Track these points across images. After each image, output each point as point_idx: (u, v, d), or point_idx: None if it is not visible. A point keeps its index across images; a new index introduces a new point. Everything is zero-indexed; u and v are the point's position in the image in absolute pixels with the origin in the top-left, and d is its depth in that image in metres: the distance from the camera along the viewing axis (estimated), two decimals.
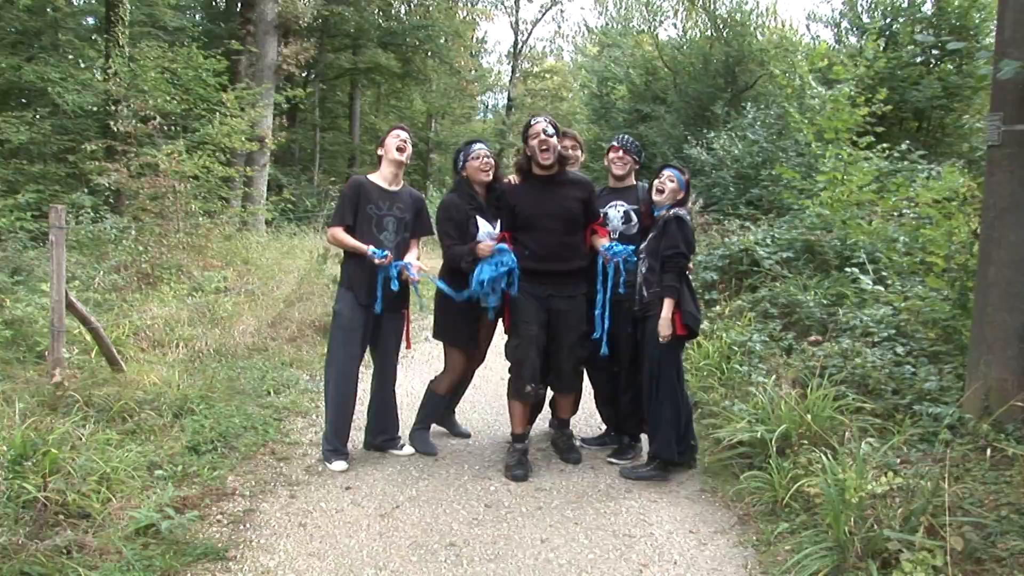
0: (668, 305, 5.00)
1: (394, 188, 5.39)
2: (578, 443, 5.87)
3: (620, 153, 5.69)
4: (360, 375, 5.49)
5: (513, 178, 5.45)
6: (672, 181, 5.24)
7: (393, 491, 4.94)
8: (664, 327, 5.00)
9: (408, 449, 5.67)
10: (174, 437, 5.32)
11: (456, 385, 5.91)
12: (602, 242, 5.27)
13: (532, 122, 5.17)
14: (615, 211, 5.61)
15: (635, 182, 5.75)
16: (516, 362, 5.24)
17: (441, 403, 5.88)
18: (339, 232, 5.27)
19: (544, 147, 5.05)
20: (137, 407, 5.58)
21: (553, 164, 5.12)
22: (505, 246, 5.13)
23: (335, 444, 5.36)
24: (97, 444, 4.71)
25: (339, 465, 5.28)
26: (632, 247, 5.19)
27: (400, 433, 5.74)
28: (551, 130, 5.07)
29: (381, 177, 5.40)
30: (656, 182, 5.28)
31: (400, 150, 5.36)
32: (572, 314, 5.27)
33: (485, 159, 5.55)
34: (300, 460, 5.42)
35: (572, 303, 5.27)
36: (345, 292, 5.33)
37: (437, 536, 4.30)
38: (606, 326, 5.33)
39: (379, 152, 5.47)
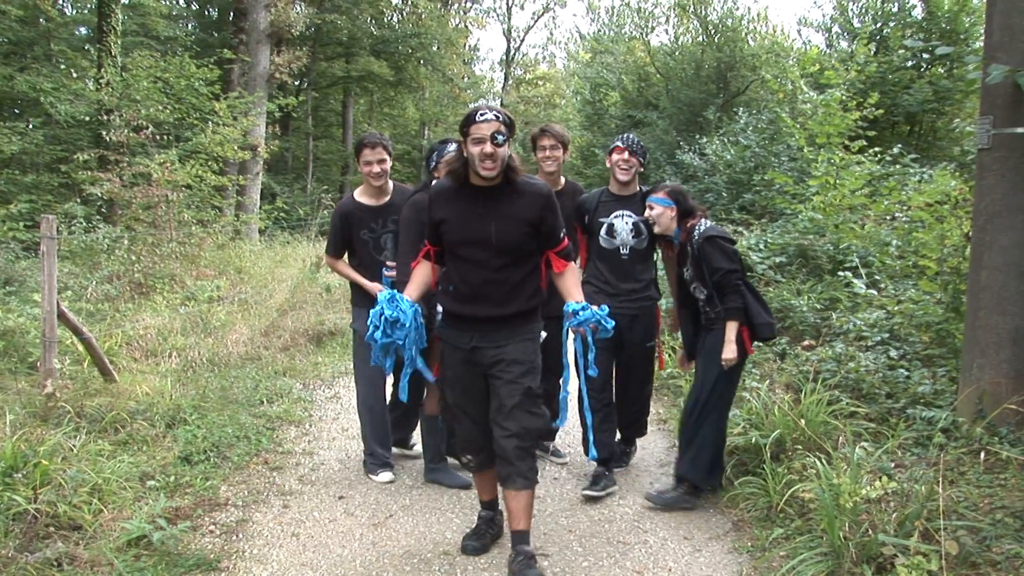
0: (732, 328, 4.58)
1: (383, 201, 5.21)
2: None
3: (626, 155, 5.06)
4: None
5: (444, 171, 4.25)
6: (653, 208, 4.77)
7: (387, 500, 4.92)
8: (728, 351, 4.57)
9: (419, 448, 5.56)
10: (166, 447, 5.29)
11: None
12: (570, 296, 3.83)
13: (477, 118, 3.64)
14: (623, 223, 5.05)
15: (639, 188, 5.17)
16: (447, 429, 4.49)
17: (435, 423, 5.11)
18: (337, 264, 5.32)
19: (489, 160, 3.61)
20: (129, 417, 5.55)
21: (497, 176, 3.69)
22: (397, 295, 3.76)
23: (381, 457, 5.31)
24: (89, 455, 4.69)
25: (385, 476, 5.24)
26: (607, 308, 3.74)
27: (415, 433, 5.72)
28: (500, 138, 3.60)
29: (366, 195, 5.21)
30: (648, 215, 4.83)
31: (377, 176, 5.10)
32: (508, 365, 3.81)
33: None
34: (293, 470, 5.40)
35: (507, 350, 3.82)
36: (360, 311, 5.16)
37: (431, 545, 4.28)
38: (588, 416, 4.00)
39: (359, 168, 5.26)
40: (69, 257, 9.88)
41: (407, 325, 3.69)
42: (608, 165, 5.20)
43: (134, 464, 4.84)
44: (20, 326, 6.94)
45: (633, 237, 5.06)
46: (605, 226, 5.08)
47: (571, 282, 3.91)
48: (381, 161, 5.10)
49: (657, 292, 5.24)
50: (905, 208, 8.79)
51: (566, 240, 3.94)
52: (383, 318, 3.65)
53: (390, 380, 4.92)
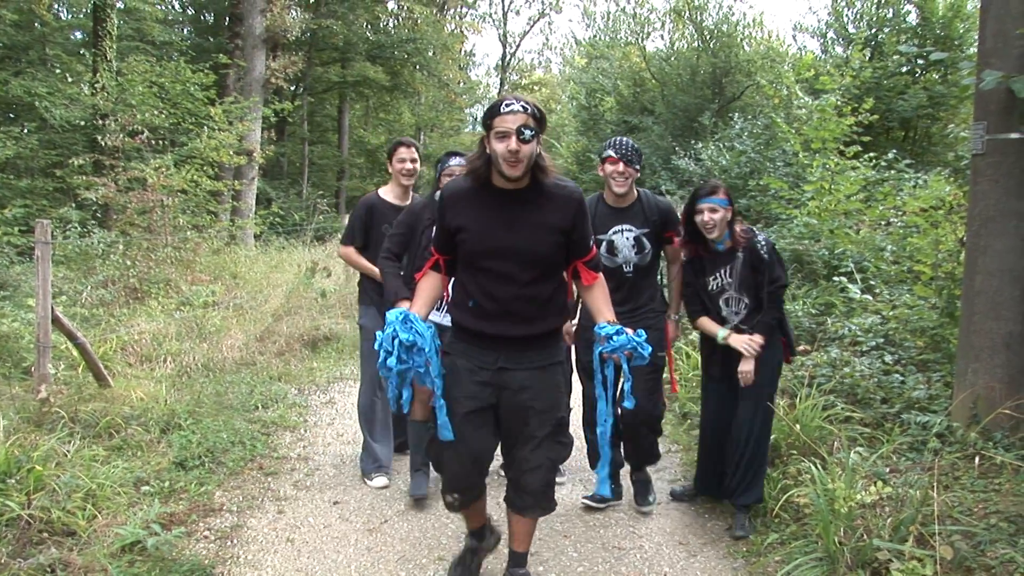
0: (760, 338, 4.33)
1: (406, 203, 5.26)
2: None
3: (620, 167, 4.51)
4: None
5: (459, 173, 4.36)
6: (716, 211, 4.28)
7: (381, 505, 4.91)
8: (749, 360, 4.31)
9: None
10: (161, 453, 5.28)
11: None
12: (600, 314, 3.47)
13: (502, 109, 3.17)
14: (623, 239, 4.58)
15: (635, 194, 4.67)
16: (433, 461, 3.56)
17: (422, 428, 4.75)
18: (351, 253, 5.26)
19: (513, 158, 3.14)
20: (124, 423, 5.54)
21: (523, 176, 3.23)
22: (410, 315, 3.24)
23: (378, 460, 5.32)
24: (83, 460, 4.68)
25: (380, 481, 5.23)
26: (643, 334, 3.36)
27: None
28: (528, 133, 3.12)
29: (392, 194, 5.29)
30: (699, 220, 4.32)
31: (408, 174, 5.23)
32: (539, 392, 3.40)
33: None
34: (288, 475, 5.39)
35: (539, 376, 3.42)
36: (367, 308, 5.24)
37: (425, 550, 4.27)
38: (607, 452, 3.63)
39: (389, 168, 5.34)
40: (64, 262, 9.85)
41: (426, 349, 3.19)
42: (601, 174, 4.66)
43: (128, 469, 4.83)
44: (14, 331, 6.93)
45: (636, 253, 4.60)
46: (604, 244, 4.59)
47: (601, 297, 3.51)
48: (414, 160, 5.22)
49: (663, 303, 4.84)
50: (900, 213, 8.81)
51: (595, 249, 3.52)
52: (396, 342, 3.14)
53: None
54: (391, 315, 3.22)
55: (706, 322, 4.53)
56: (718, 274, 4.41)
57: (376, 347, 3.20)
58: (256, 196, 17.83)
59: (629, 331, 3.31)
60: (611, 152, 4.56)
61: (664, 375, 4.89)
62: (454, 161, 4.72)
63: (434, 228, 3.65)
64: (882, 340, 6.36)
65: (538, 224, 3.29)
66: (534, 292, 3.34)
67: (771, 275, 4.31)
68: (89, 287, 8.78)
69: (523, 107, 3.16)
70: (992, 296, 4.80)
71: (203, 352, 7.87)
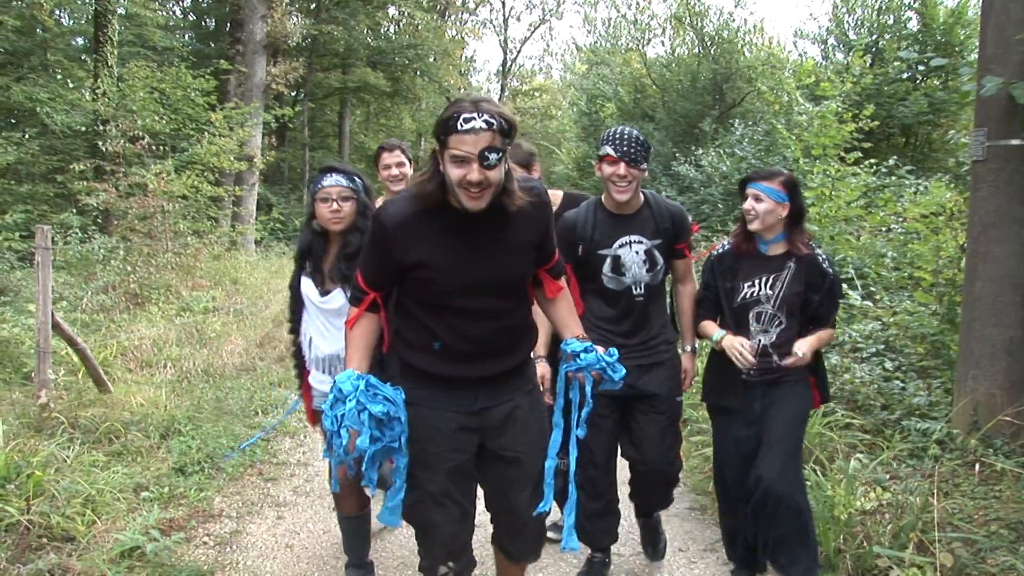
0: (813, 343, 3.51)
1: None
2: None
3: (622, 169, 3.50)
4: None
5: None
6: (760, 201, 3.47)
7: None
8: (803, 349, 3.44)
9: None
10: (160, 458, 5.28)
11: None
12: (567, 329, 2.95)
13: (460, 126, 2.43)
14: (632, 253, 3.63)
15: (641, 198, 3.71)
16: (418, 528, 2.94)
17: (362, 524, 3.93)
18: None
19: (475, 188, 2.47)
20: (123, 428, 5.54)
21: (487, 206, 2.55)
22: (371, 380, 2.61)
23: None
24: (82, 466, 4.68)
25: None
26: (616, 353, 2.87)
27: None
28: (493, 157, 2.44)
29: None
30: (747, 207, 3.53)
31: (394, 179, 4.54)
32: (528, 419, 2.89)
33: None
34: (288, 481, 5.38)
35: (524, 402, 2.90)
36: None
37: None
38: (572, 491, 2.92)
39: (379, 178, 4.73)
40: (64, 267, 9.87)
41: (403, 419, 2.64)
42: (599, 175, 3.67)
43: (128, 475, 4.82)
44: (15, 336, 6.94)
45: (648, 271, 3.65)
46: (609, 260, 3.64)
47: (566, 309, 3.00)
48: (400, 164, 4.59)
49: (675, 332, 3.88)
50: (900, 220, 8.80)
51: (557, 253, 2.97)
52: (367, 417, 2.53)
53: None
54: (345, 383, 2.56)
55: (708, 325, 3.71)
56: (756, 281, 3.55)
57: (328, 426, 2.56)
58: (257, 202, 17.86)
59: (600, 349, 2.83)
60: (609, 149, 3.52)
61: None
62: (329, 180, 3.51)
63: (362, 256, 2.95)
64: (882, 346, 6.36)
65: (509, 245, 2.69)
66: (512, 322, 2.82)
67: (834, 301, 3.62)
68: (89, 293, 8.79)
69: (487, 122, 2.43)
70: (992, 302, 4.80)
71: (203, 358, 7.87)
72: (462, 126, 2.42)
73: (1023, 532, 3.75)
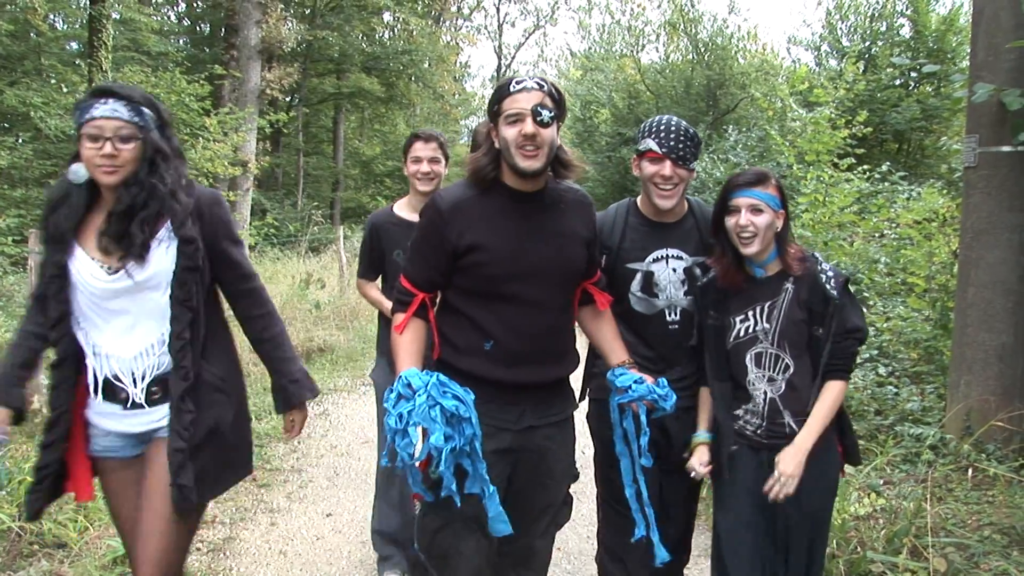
0: (832, 402, 2.70)
1: None
2: None
3: (667, 169, 2.86)
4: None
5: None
6: (760, 212, 2.69)
7: None
8: (790, 460, 2.64)
9: None
10: None
11: None
12: (613, 354, 2.80)
13: (512, 88, 2.47)
14: (668, 271, 2.98)
15: (686, 204, 3.07)
16: (439, 558, 2.58)
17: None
18: (364, 287, 4.11)
19: (530, 144, 2.43)
20: None
21: (543, 169, 2.50)
22: (443, 378, 2.37)
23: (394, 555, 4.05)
24: None
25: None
26: (666, 383, 2.68)
27: None
28: (546, 113, 2.43)
29: (408, 207, 3.97)
30: (730, 225, 2.73)
31: (425, 178, 3.88)
32: (559, 454, 2.73)
33: None
34: (281, 487, 5.37)
35: (560, 433, 2.73)
36: (380, 357, 4.07)
37: None
38: (650, 511, 2.82)
39: (405, 171, 4.02)
40: None
41: (472, 419, 2.34)
42: (636, 174, 3.03)
43: None
44: (7, 341, 6.90)
45: (686, 294, 2.98)
46: (639, 276, 2.99)
47: (611, 331, 2.85)
48: (433, 160, 3.89)
49: (696, 347, 3.07)
50: (894, 226, 8.84)
51: (599, 269, 2.86)
52: (438, 411, 2.28)
53: None
54: (415, 379, 2.34)
55: (705, 397, 2.97)
56: (749, 314, 2.79)
57: (393, 425, 2.29)
58: (251, 207, 17.81)
59: (649, 379, 2.66)
60: (652, 144, 2.88)
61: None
62: (102, 108, 2.38)
63: (408, 256, 2.74)
64: (876, 352, 6.37)
65: (566, 233, 2.62)
66: (565, 321, 2.69)
67: (843, 323, 2.69)
68: None
69: (538, 84, 2.47)
70: (985, 308, 4.82)
71: None
72: (515, 87, 2.46)
73: (1016, 537, 3.75)
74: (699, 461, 2.85)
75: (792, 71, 19.62)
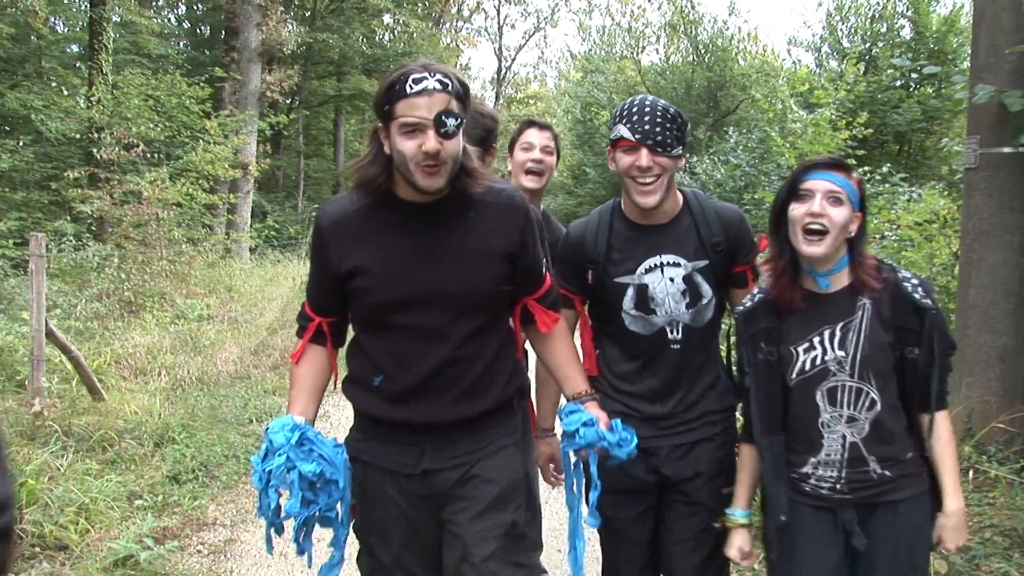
0: (950, 448, 2.29)
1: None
2: None
3: (643, 159, 2.40)
4: None
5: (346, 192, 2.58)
6: (839, 202, 2.17)
7: None
8: (956, 533, 2.22)
9: None
10: (154, 466, 5.26)
11: None
12: (567, 383, 2.42)
13: (410, 88, 2.00)
14: (664, 281, 2.51)
15: (680, 199, 2.60)
16: None
17: None
18: None
19: (432, 160, 2.02)
20: (117, 436, 5.52)
21: (447, 185, 2.09)
22: (308, 432, 2.12)
23: None
24: (76, 474, 4.67)
25: None
26: (633, 437, 2.28)
27: None
28: (452, 123, 2.02)
29: None
30: (796, 215, 2.19)
31: (536, 171, 3.27)
32: (474, 491, 2.24)
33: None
34: None
35: (478, 468, 2.26)
36: None
37: None
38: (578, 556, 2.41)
39: (508, 163, 3.44)
40: (58, 275, 9.85)
41: (339, 481, 2.12)
42: (612, 168, 2.58)
43: (122, 483, 4.81)
44: (8, 344, 6.91)
45: (688, 306, 2.51)
46: (631, 291, 2.53)
47: (566, 354, 2.44)
48: (547, 150, 3.30)
49: (736, 393, 2.56)
50: (894, 227, 8.82)
51: (549, 277, 2.41)
52: (296, 476, 2.05)
53: None
54: (277, 434, 2.08)
55: (746, 460, 2.43)
56: (815, 340, 2.22)
57: (257, 483, 2.08)
58: (251, 209, 17.83)
59: (603, 420, 2.28)
60: (624, 131, 2.43)
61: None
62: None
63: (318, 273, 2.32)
64: None
65: (473, 249, 2.18)
66: (470, 353, 2.21)
67: (944, 336, 2.21)
68: (84, 300, 8.78)
69: (441, 83, 2.01)
70: (986, 309, 4.81)
71: (197, 365, 7.85)
72: (412, 88, 2.00)
73: (1017, 539, 3.75)
74: (737, 550, 2.36)
75: (793, 72, 19.63)
